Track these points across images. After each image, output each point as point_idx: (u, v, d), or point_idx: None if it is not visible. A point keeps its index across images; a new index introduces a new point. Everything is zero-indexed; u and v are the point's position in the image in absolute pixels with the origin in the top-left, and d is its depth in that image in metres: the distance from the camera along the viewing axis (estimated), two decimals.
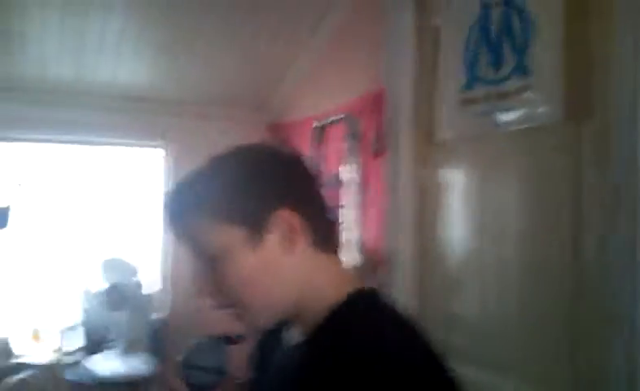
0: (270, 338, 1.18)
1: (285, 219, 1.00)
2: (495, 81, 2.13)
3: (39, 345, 4.09)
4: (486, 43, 2.17)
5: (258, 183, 1.02)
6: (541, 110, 1.96)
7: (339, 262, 1.10)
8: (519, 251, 2.07)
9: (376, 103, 2.79)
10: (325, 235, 1.06)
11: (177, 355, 1.12)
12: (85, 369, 3.69)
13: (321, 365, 0.95)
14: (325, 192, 1.11)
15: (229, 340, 1.17)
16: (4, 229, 3.90)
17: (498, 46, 2.11)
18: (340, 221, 2.83)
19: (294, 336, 1.09)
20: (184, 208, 1.04)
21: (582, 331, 1.83)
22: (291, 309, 1.05)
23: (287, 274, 1.02)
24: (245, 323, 1.06)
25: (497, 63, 2.13)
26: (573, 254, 1.86)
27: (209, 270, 1.02)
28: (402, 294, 2.56)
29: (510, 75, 2.08)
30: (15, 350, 4.02)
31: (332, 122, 3.07)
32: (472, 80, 2.23)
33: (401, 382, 0.88)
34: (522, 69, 2.03)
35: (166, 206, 1.06)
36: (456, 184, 2.40)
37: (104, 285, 3.65)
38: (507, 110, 2.09)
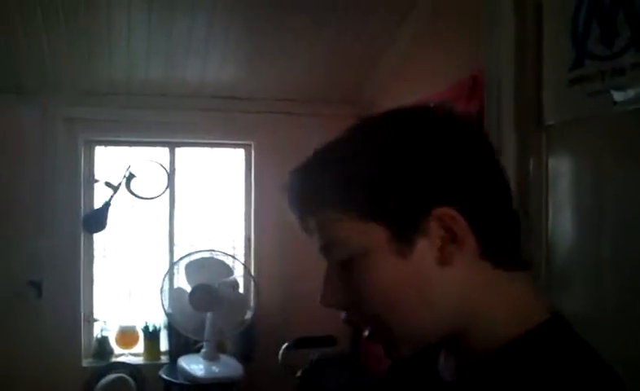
0: (413, 361, 0.91)
1: (443, 220, 0.74)
2: (609, 56, 1.94)
3: (131, 345, 4.17)
4: (598, 15, 1.99)
5: (408, 169, 0.75)
6: None
7: (522, 280, 0.80)
8: None
9: (473, 88, 2.64)
10: (503, 243, 0.79)
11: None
12: (179, 369, 3.72)
13: None
14: (505, 172, 0.81)
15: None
16: (103, 230, 4.01)
17: (612, 17, 1.93)
18: None
19: (448, 367, 0.86)
20: (313, 194, 0.81)
21: None
22: (446, 334, 0.80)
23: (440, 291, 0.77)
24: (383, 347, 0.82)
25: (610, 38, 1.94)
26: None
27: (341, 276, 0.80)
28: None
29: (625, 49, 1.89)
30: (112, 349, 4.12)
31: None
32: (582, 56, 2.05)
33: None
34: (639, 42, 1.84)
35: (291, 189, 0.83)
36: (565, 172, 2.22)
37: (193, 285, 3.65)
38: (623, 88, 1.89)
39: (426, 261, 0.75)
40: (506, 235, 0.79)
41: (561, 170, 2.23)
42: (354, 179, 0.77)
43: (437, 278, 0.76)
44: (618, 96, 1.92)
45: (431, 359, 0.88)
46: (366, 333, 0.82)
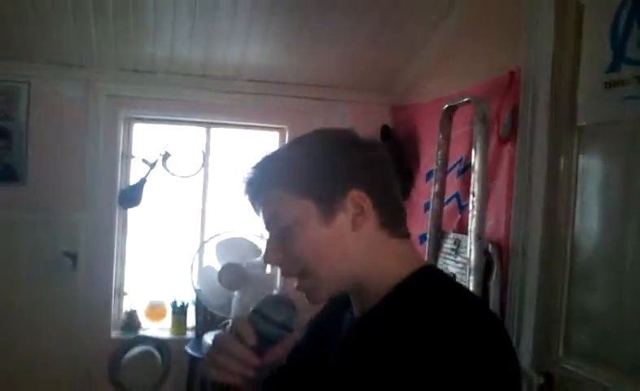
0: (333, 309, 1.25)
1: (356, 200, 1.07)
2: None
3: (159, 320, 4.26)
4: (638, 21, 2.00)
5: (336, 163, 1.09)
6: None
7: (406, 246, 1.14)
8: None
9: (509, 84, 2.66)
10: (394, 220, 1.12)
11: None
12: (205, 344, 3.80)
13: (381, 342, 0.98)
14: (396, 177, 1.15)
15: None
16: (137, 206, 4.09)
17: None
18: (469, 207, 2.73)
19: (355, 309, 1.15)
20: (264, 178, 1.12)
21: None
22: (354, 284, 1.12)
23: (352, 250, 1.08)
24: (308, 293, 1.12)
25: None
26: None
27: (280, 240, 1.10)
28: (526, 286, 2.46)
29: None
30: (140, 323, 4.22)
31: (461, 104, 2.96)
32: (619, 60, 2.07)
33: (470, 363, 0.91)
34: None
35: (247, 175, 1.14)
36: (595, 172, 2.24)
37: (221, 263, 3.73)
38: None
39: (343, 228, 1.07)
40: (396, 214, 1.13)
41: (590, 171, 2.26)
42: (296, 168, 1.09)
43: (350, 239, 1.08)
44: None
45: (348, 304, 1.18)
46: (295, 285, 1.12)
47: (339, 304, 1.22)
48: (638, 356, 1.98)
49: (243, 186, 1.15)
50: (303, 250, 1.08)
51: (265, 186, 1.11)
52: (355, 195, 1.07)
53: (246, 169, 1.15)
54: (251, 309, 1.15)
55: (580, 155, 2.30)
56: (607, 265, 2.15)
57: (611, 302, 2.12)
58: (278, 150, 1.19)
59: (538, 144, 2.42)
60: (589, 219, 2.25)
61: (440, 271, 1.17)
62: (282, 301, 1.17)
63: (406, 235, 1.15)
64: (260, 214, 1.14)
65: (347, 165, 1.09)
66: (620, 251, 2.08)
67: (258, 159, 1.15)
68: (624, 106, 2.04)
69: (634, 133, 2.05)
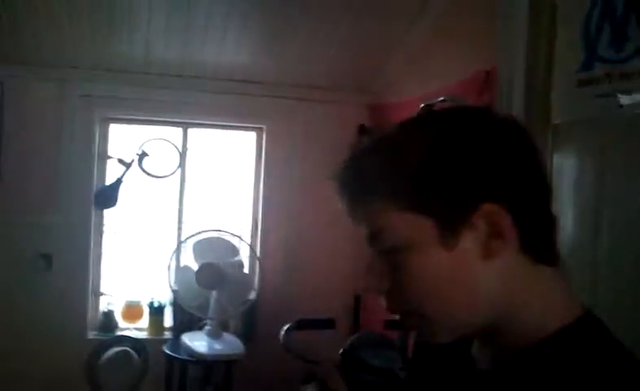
0: (447, 350, 0.93)
1: (490, 216, 0.77)
2: (617, 60, 1.98)
3: (136, 320, 4.24)
4: (610, 20, 2.02)
5: (458, 165, 0.78)
6: None
7: (558, 277, 0.83)
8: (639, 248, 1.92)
9: (484, 83, 2.68)
10: (542, 241, 0.82)
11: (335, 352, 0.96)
12: (182, 345, 3.79)
13: None
14: (547, 171, 0.85)
15: (391, 324, 0.94)
16: (113, 206, 4.07)
17: (623, 23, 1.96)
18: None
19: (484, 356, 0.88)
20: (362, 183, 0.82)
21: None
22: (483, 329, 0.83)
23: (482, 285, 0.79)
24: (422, 336, 0.86)
25: (620, 42, 1.98)
26: None
27: (385, 264, 0.82)
28: None
29: (634, 54, 1.93)
30: (117, 323, 4.19)
31: (437, 103, 2.97)
32: (592, 59, 2.09)
33: None
34: None
35: (342, 177, 0.85)
36: (568, 170, 2.26)
37: (199, 264, 3.71)
38: (630, 92, 1.93)
39: (469, 255, 0.78)
40: (544, 233, 0.82)
41: (565, 169, 2.27)
42: (405, 170, 0.79)
43: (480, 271, 0.78)
44: (624, 99, 1.96)
45: (465, 346, 0.90)
46: (398, 317, 0.85)
47: (456, 345, 0.90)
48: None
49: (335, 186, 0.85)
50: (413, 281, 0.80)
51: (364, 194, 0.82)
52: (489, 210, 0.77)
53: (339, 165, 0.85)
54: (340, 350, 0.95)
55: (555, 154, 2.31)
56: (582, 264, 2.16)
57: (586, 301, 2.13)
58: (377, 143, 0.84)
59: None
60: (563, 218, 2.26)
61: (603, 324, 0.83)
62: (378, 340, 0.95)
63: (556, 261, 0.84)
64: (360, 227, 0.84)
65: (476, 167, 0.78)
66: (594, 250, 2.10)
67: (354, 152, 0.85)
68: (597, 104, 2.06)
69: (607, 131, 2.07)
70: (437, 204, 0.78)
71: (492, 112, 0.85)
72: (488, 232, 0.77)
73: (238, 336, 3.96)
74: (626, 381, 0.75)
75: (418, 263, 0.79)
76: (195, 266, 3.73)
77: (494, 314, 0.81)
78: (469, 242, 0.78)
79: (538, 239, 0.81)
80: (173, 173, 4.22)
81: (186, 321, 4.01)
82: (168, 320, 4.19)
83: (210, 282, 3.69)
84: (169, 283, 3.83)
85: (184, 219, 4.30)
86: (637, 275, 1.92)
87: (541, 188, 0.83)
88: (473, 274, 0.79)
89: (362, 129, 3.91)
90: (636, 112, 1.93)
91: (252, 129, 4.36)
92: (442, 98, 2.87)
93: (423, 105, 3.08)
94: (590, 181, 2.15)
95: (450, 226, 0.78)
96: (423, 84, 3.40)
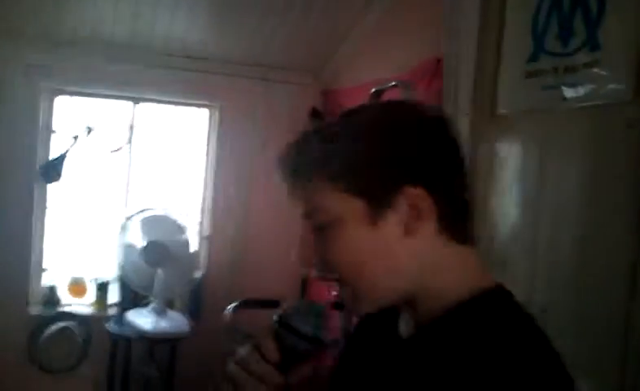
0: (377, 320, 1.04)
1: (412, 198, 0.86)
2: (563, 54, 2.03)
3: (80, 296, 4.18)
4: (557, 14, 2.07)
5: (386, 151, 0.88)
6: (609, 87, 1.87)
7: (472, 254, 0.93)
8: (576, 233, 1.97)
9: (434, 71, 2.71)
10: (458, 221, 0.91)
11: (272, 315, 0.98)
12: (127, 322, 3.75)
13: (438, 372, 0.85)
14: (466, 162, 0.94)
15: (337, 305, 1.04)
16: (58, 180, 3.98)
17: (570, 17, 2.01)
18: None
19: (407, 326, 0.97)
20: (303, 163, 0.92)
21: (638, 324, 1.73)
22: (403, 299, 0.93)
23: (403, 259, 0.89)
24: (349, 304, 0.96)
25: (566, 36, 2.03)
26: (636, 240, 1.76)
27: (318, 238, 0.92)
28: None
29: (579, 49, 1.98)
30: (60, 299, 4.12)
31: (389, 89, 3.00)
32: (539, 51, 2.13)
33: None
34: (592, 43, 1.93)
35: (285, 157, 0.94)
36: (513, 159, 2.31)
37: (145, 241, 3.68)
38: (574, 85, 1.99)
39: (392, 232, 0.87)
40: (460, 215, 0.92)
41: (508, 158, 2.32)
42: (340, 156, 0.89)
43: (400, 247, 0.88)
44: (568, 92, 2.01)
45: (393, 318, 1.00)
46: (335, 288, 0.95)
47: (384, 315, 1.01)
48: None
49: (279, 167, 0.95)
50: (342, 255, 0.90)
51: (304, 172, 0.91)
52: (411, 192, 0.86)
53: (287, 148, 0.95)
54: (274, 317, 0.99)
55: (499, 143, 2.36)
56: (521, 252, 2.22)
57: (524, 289, 2.19)
58: (319, 130, 0.94)
59: (460, 131, 2.47)
60: (505, 205, 2.32)
61: (511, 293, 0.93)
62: (311, 308, 1.00)
63: (471, 241, 0.93)
64: (299, 206, 0.94)
65: (404, 154, 0.88)
66: (534, 237, 2.15)
67: (298, 137, 0.94)
68: (542, 96, 2.11)
69: (550, 122, 2.13)
70: (367, 186, 0.87)
71: (420, 106, 0.96)
72: (409, 213, 0.87)
73: (184, 314, 3.94)
74: (530, 346, 0.84)
75: (346, 238, 0.89)
76: (141, 244, 3.69)
77: (413, 285, 0.90)
78: (392, 221, 0.87)
79: (454, 221, 0.90)
80: (121, 148, 4.15)
81: (132, 298, 3.97)
82: (113, 297, 4.14)
83: (156, 260, 3.66)
84: (115, 260, 3.78)
85: (131, 196, 4.23)
86: (574, 260, 1.98)
87: (459, 177, 0.92)
88: (395, 249, 0.88)
89: (314, 112, 3.92)
90: (578, 105, 1.99)
91: (205, 106, 4.32)
92: (393, 83, 2.90)
93: (373, 90, 3.10)
94: (532, 170, 2.20)
95: (377, 206, 0.87)
96: (375, 70, 3.42)
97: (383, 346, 1.01)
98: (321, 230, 0.91)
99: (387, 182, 0.87)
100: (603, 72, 1.89)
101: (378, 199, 0.87)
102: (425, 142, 0.89)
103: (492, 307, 0.89)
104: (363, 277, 0.90)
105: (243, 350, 0.98)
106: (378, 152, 0.88)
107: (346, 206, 0.88)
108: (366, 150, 0.88)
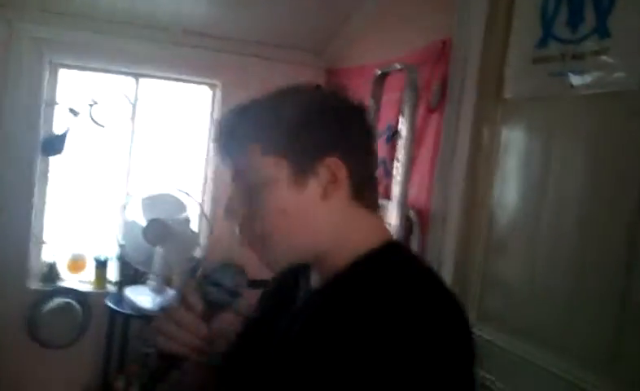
0: (288, 280, 1.17)
1: (331, 167, 1.00)
2: (572, 40, 2.01)
3: (80, 272, 4.17)
4: (566, 1, 2.05)
5: (316, 125, 1.01)
6: (617, 75, 1.85)
7: (376, 219, 1.09)
8: (577, 219, 1.96)
9: (440, 54, 2.69)
10: (367, 191, 1.06)
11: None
12: (125, 299, 3.76)
13: (335, 316, 0.95)
14: (377, 145, 1.10)
15: (253, 283, 1.17)
16: (60, 154, 3.96)
17: (580, 3, 1.99)
18: (394, 174, 2.76)
19: (315, 280, 1.09)
20: (239, 127, 1.04)
21: (634, 312, 1.73)
22: (315, 256, 1.06)
23: (319, 220, 1.02)
24: (265, 261, 1.07)
25: (575, 22, 2.01)
26: (636, 229, 1.75)
27: (245, 198, 1.04)
28: (443, 251, 2.51)
29: (588, 35, 1.95)
30: (59, 275, 4.12)
31: (393, 71, 2.97)
32: (547, 37, 2.11)
33: (423, 344, 0.87)
34: (602, 31, 1.90)
35: (220, 123, 1.07)
36: (517, 145, 2.29)
37: (146, 219, 3.67)
38: (581, 72, 1.97)
39: (312, 195, 1.01)
40: (369, 185, 1.08)
41: (512, 144, 2.31)
42: (275, 123, 1.01)
43: (318, 208, 1.01)
44: (575, 80, 1.99)
45: (304, 274, 1.13)
46: (246, 242, 1.07)
47: (297, 273, 1.15)
48: (540, 325, 2.07)
49: (214, 130, 1.09)
50: (267, 212, 1.02)
51: (239, 136, 1.04)
52: (331, 162, 1.00)
53: (222, 115, 1.08)
54: (198, 274, 1.10)
55: (504, 128, 2.34)
56: (522, 237, 2.22)
57: (524, 273, 2.19)
58: (259, 100, 1.07)
59: (464, 114, 2.45)
60: (507, 190, 2.31)
61: (406, 248, 1.10)
62: (230, 266, 1.12)
63: (376, 207, 1.09)
64: (228, 164, 1.07)
65: (327, 129, 1.02)
66: (535, 223, 2.14)
67: (236, 106, 1.07)
68: (549, 82, 2.09)
69: (556, 109, 2.11)
70: (295, 151, 1.00)
71: (347, 95, 1.08)
72: (328, 178, 1.01)
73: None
74: (421, 290, 0.95)
75: (272, 198, 1.01)
76: (142, 221, 3.68)
77: (326, 243, 1.04)
78: (313, 185, 1.01)
79: (364, 189, 1.05)
80: (124, 124, 4.13)
81: (131, 275, 3.97)
82: (112, 274, 4.14)
83: (156, 237, 3.65)
84: (116, 236, 3.77)
85: (133, 172, 4.22)
86: (574, 247, 1.98)
87: (370, 155, 1.09)
88: (313, 210, 1.02)
89: None
90: (585, 93, 1.97)
91: (207, 84, 4.29)
92: (398, 66, 2.88)
93: (378, 73, 3.08)
94: (536, 156, 2.19)
95: (301, 170, 1.00)
96: (380, 51, 3.39)
97: (292, 299, 1.13)
98: (249, 190, 1.03)
99: (312, 150, 1.00)
100: (611, 60, 1.87)
101: (303, 164, 1.00)
102: (346, 122, 1.04)
103: (384, 259, 1.02)
104: (284, 232, 1.02)
105: (170, 302, 1.10)
106: (307, 125, 1.01)
107: (274, 168, 1.00)
108: (298, 122, 1.00)
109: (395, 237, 1.09)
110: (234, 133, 1.05)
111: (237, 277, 1.10)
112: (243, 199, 1.05)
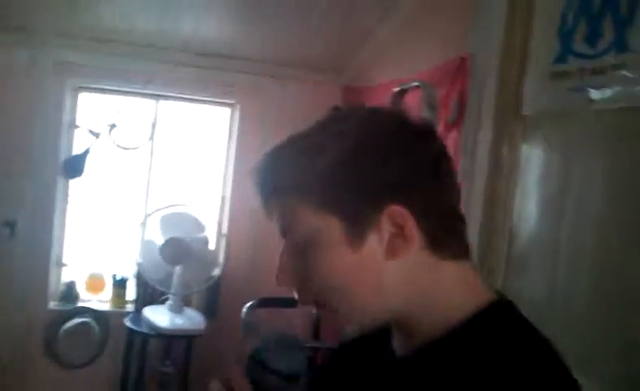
0: (362, 342, 0.99)
1: (394, 218, 0.80)
2: (590, 55, 1.99)
3: (99, 292, 4.19)
4: (586, 14, 2.03)
5: (367, 165, 0.81)
6: (637, 89, 1.82)
7: (464, 269, 0.87)
8: (598, 238, 1.92)
9: (458, 70, 2.68)
10: (447, 237, 0.85)
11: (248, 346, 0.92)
12: (144, 319, 3.76)
13: (439, 387, 0.80)
14: (456, 174, 0.90)
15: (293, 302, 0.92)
16: (80, 176, 4.00)
17: (599, 18, 1.97)
18: None
19: (400, 346, 0.91)
20: (276, 179, 0.86)
21: None
22: (395, 319, 0.88)
23: (388, 281, 0.82)
24: (334, 322, 0.89)
25: (594, 37, 1.99)
26: None
27: (296, 257, 0.86)
28: None
29: (607, 50, 1.93)
30: (78, 295, 4.14)
31: (411, 89, 2.97)
32: (566, 52, 2.09)
33: None
34: (621, 45, 1.88)
35: (258, 172, 0.88)
36: (536, 161, 2.27)
37: (164, 238, 3.68)
38: (601, 87, 1.94)
39: (374, 254, 0.81)
40: (449, 231, 0.85)
41: (532, 160, 2.29)
42: (316, 170, 0.82)
43: (384, 269, 0.82)
44: (595, 95, 1.97)
45: (383, 340, 0.94)
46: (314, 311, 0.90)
47: (374, 333, 0.95)
48: (561, 344, 2.03)
49: (253, 181, 0.89)
50: (321, 278, 0.83)
51: (278, 189, 0.86)
52: (394, 211, 0.80)
53: (260, 161, 0.89)
54: (247, 352, 0.92)
55: (523, 144, 2.33)
56: (542, 254, 2.19)
57: (545, 289, 2.16)
58: (297, 140, 0.86)
59: (483, 131, 2.44)
60: (527, 207, 2.29)
61: (515, 309, 0.87)
62: (287, 342, 0.94)
63: (464, 254, 0.87)
64: (271, 218, 0.88)
65: (385, 170, 0.81)
66: (556, 240, 2.12)
67: (273, 151, 0.88)
68: (568, 98, 2.07)
69: (576, 124, 2.09)
70: (345, 204, 0.81)
71: (406, 115, 0.87)
72: (392, 233, 0.80)
73: (201, 311, 3.94)
74: (534, 363, 0.78)
75: (325, 260, 0.83)
76: (160, 240, 3.70)
77: (402, 307, 0.84)
78: (374, 242, 0.81)
79: (442, 238, 0.84)
80: (143, 145, 4.16)
81: (149, 295, 3.98)
82: (130, 293, 4.15)
83: (175, 257, 3.66)
84: (134, 256, 3.78)
85: (151, 192, 4.24)
86: (595, 264, 1.94)
87: (447, 191, 0.86)
88: (378, 272, 0.82)
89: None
90: (604, 108, 1.95)
91: (225, 105, 4.32)
92: (416, 84, 2.87)
93: (396, 90, 3.08)
94: (556, 172, 2.17)
95: (357, 227, 0.81)
96: (398, 69, 3.40)
97: (373, 368, 0.95)
98: (300, 249, 0.85)
99: (367, 201, 0.81)
100: (631, 75, 1.84)
101: (358, 220, 0.81)
102: (408, 157, 0.82)
103: (493, 325, 0.83)
104: (344, 302, 0.84)
105: (215, 386, 0.92)
106: (357, 168, 0.81)
107: (323, 226, 0.82)
108: (345, 165, 0.81)
109: (493, 291, 0.88)
110: (268, 183, 0.87)
111: (295, 356, 0.92)
112: (294, 259, 0.86)
